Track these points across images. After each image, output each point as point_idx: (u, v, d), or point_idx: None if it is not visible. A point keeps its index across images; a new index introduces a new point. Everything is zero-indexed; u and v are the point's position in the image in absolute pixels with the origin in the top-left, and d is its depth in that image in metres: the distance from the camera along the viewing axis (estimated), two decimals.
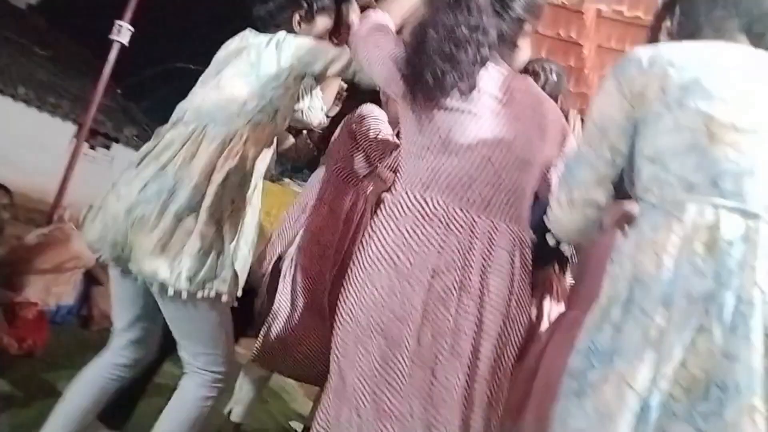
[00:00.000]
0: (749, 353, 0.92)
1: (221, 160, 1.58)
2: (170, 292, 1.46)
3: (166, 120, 1.70)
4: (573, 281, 2.11)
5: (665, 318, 0.95)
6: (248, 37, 1.74)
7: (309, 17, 1.78)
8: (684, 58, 1.07)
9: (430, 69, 1.30)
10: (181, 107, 1.68)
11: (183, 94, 1.76)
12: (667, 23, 1.22)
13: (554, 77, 2.03)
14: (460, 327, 1.28)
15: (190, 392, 1.56)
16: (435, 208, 1.32)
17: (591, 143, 1.13)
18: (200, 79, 1.74)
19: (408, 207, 1.34)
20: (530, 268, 1.39)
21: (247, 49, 1.69)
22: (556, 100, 1.87)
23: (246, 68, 1.66)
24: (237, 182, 1.60)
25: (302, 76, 1.70)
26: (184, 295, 1.47)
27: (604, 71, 3.73)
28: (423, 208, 1.33)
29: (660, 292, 0.96)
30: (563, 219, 1.17)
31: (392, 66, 1.39)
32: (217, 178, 1.55)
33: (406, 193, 1.37)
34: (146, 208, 1.49)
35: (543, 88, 1.87)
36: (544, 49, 3.69)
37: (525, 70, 1.85)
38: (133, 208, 1.50)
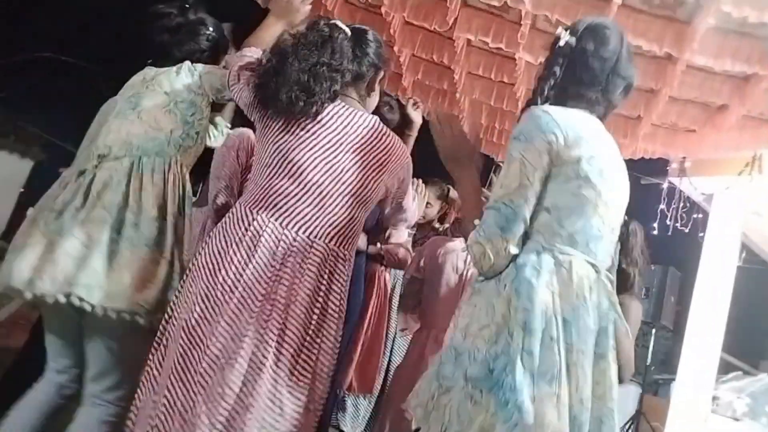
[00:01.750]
0: (611, 370, 1.27)
1: (169, 191, 1.70)
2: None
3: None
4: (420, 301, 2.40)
5: (567, 343, 1.22)
6: (152, 71, 1.86)
7: (213, 54, 1.96)
8: (591, 135, 1.34)
9: (286, 92, 1.47)
10: (103, 143, 1.75)
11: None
12: (554, 79, 1.42)
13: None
14: (261, 333, 1.41)
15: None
16: (258, 224, 1.47)
17: (526, 200, 1.30)
18: (114, 113, 1.82)
19: (236, 221, 1.50)
20: (344, 282, 1.54)
21: (158, 81, 1.81)
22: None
23: (163, 99, 1.78)
24: (178, 207, 1.72)
25: (212, 102, 1.85)
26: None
27: (474, 95, 4.05)
28: (249, 224, 1.48)
29: (560, 324, 1.22)
30: (498, 266, 1.30)
31: (249, 93, 1.56)
32: (172, 209, 1.68)
33: (239, 208, 1.53)
34: (122, 246, 1.59)
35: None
36: (420, 72, 3.94)
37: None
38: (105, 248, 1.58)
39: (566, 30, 1.43)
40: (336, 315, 1.51)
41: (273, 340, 1.41)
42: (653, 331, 5.12)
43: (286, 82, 1.47)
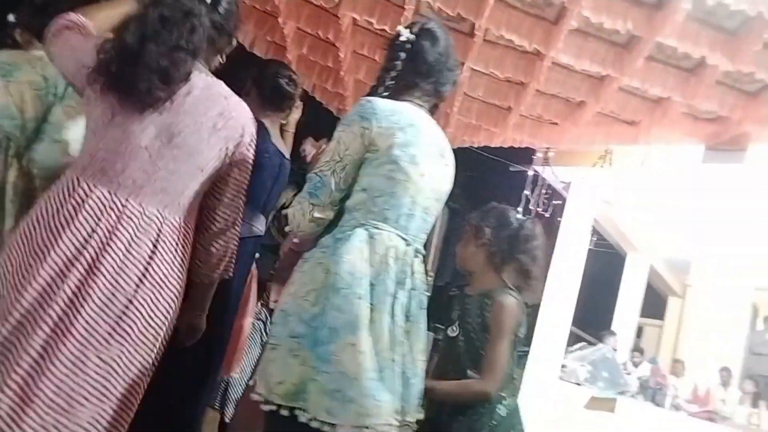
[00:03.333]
0: (421, 333, 1.49)
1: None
2: None
3: None
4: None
5: (371, 303, 1.39)
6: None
7: None
8: (407, 125, 1.49)
9: (145, 82, 1.35)
10: None
11: None
12: (395, 71, 1.57)
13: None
14: (77, 304, 1.34)
15: None
16: (83, 191, 1.38)
17: (333, 172, 1.46)
18: None
19: (61, 189, 1.40)
20: (183, 251, 1.48)
21: (44, 60, 1.65)
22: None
23: (39, 81, 1.66)
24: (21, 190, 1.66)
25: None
26: None
27: (359, 75, 4.08)
28: (72, 190, 1.38)
29: (367, 285, 1.39)
30: (303, 227, 1.50)
31: (81, 65, 1.41)
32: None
33: (67, 176, 1.42)
34: None
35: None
36: (305, 46, 3.89)
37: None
38: None
39: (405, 28, 1.60)
40: (166, 283, 1.44)
41: (86, 306, 1.34)
42: None
43: (145, 68, 1.35)
